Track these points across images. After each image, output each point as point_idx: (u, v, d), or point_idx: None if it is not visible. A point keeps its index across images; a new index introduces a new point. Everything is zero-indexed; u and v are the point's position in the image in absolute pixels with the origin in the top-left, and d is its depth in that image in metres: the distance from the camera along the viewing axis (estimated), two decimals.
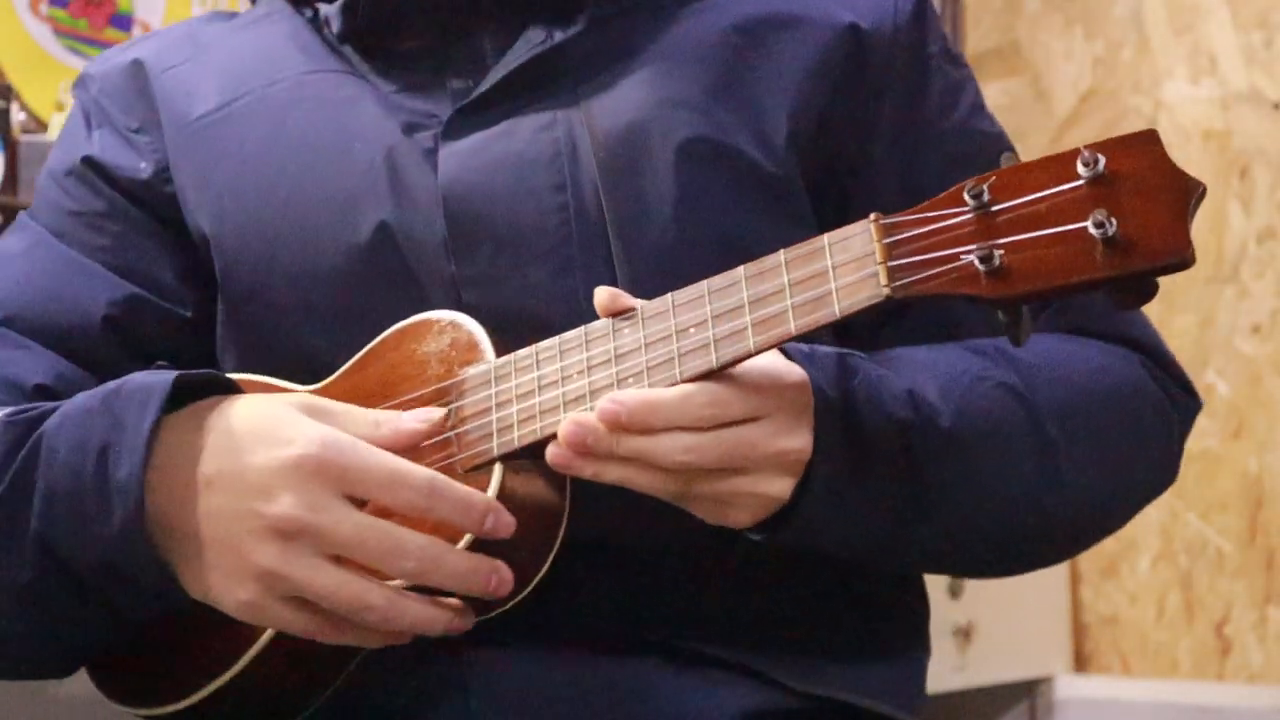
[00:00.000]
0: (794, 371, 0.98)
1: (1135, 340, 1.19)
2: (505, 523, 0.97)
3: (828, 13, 1.17)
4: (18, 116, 2.14)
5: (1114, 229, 0.86)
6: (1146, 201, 0.87)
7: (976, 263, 0.89)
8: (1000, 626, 2.65)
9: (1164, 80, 2.81)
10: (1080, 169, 0.88)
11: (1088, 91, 2.89)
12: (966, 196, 0.90)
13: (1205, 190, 0.88)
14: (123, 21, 2.33)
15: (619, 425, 0.94)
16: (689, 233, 1.05)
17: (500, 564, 0.97)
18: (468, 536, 0.98)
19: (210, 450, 0.98)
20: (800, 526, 1.00)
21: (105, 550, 0.98)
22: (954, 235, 0.90)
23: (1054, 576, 2.80)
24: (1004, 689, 2.74)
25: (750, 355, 0.95)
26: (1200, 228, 2.75)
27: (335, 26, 1.20)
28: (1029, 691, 2.76)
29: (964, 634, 2.60)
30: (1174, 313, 2.76)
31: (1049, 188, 0.89)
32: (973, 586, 2.59)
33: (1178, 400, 1.20)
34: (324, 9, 1.22)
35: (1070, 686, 2.76)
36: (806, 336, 0.94)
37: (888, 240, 0.91)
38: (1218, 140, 2.75)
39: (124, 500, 0.97)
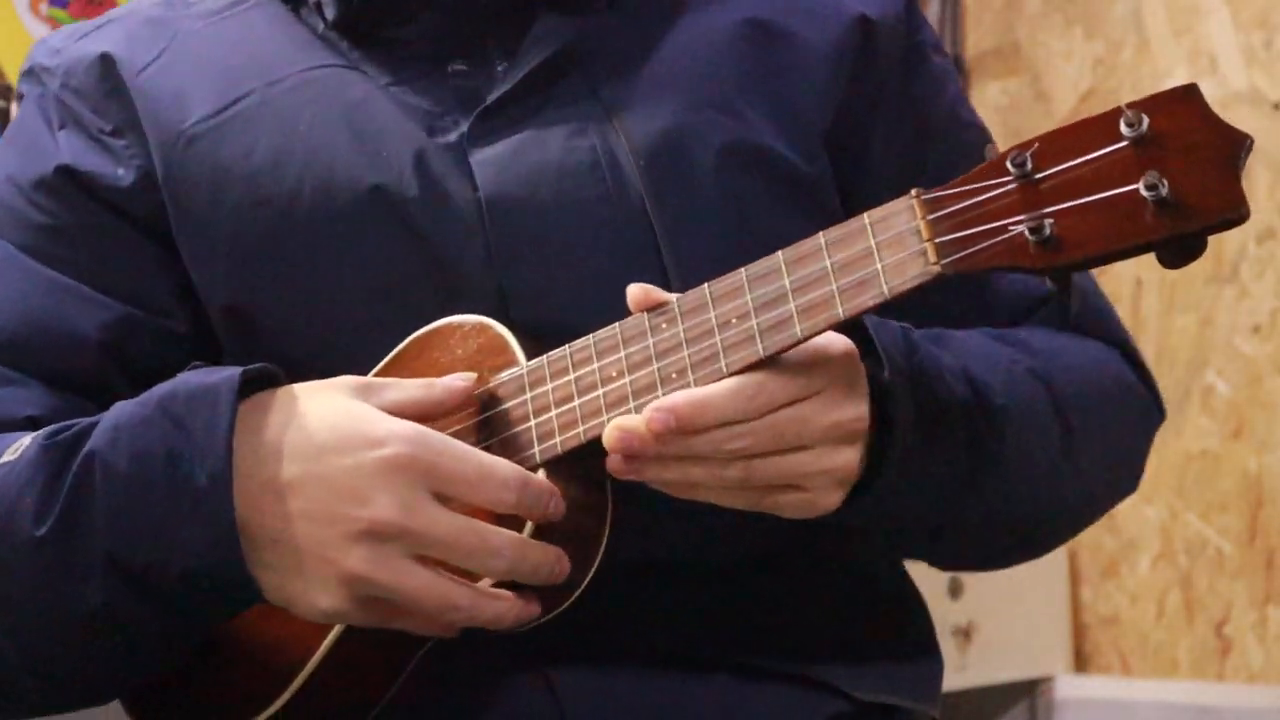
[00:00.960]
0: (839, 342, 0.96)
1: (1120, 342, 1.19)
2: (560, 502, 0.97)
3: (837, 3, 1.17)
4: None
5: (1166, 190, 0.84)
6: (1195, 159, 0.85)
7: (1027, 233, 0.87)
8: (1000, 626, 2.65)
9: (1164, 80, 2.80)
10: (1124, 129, 0.86)
11: (1088, 91, 2.89)
12: (1009, 165, 0.88)
13: (1253, 142, 0.87)
14: None
15: (670, 432, 0.93)
16: (738, 240, 1.04)
17: (560, 550, 0.97)
18: (529, 527, 0.97)
19: (289, 452, 0.95)
20: (878, 496, 0.99)
21: (191, 560, 0.95)
22: (999, 206, 0.88)
23: (1054, 576, 2.80)
24: (1004, 689, 2.73)
25: (798, 343, 0.93)
26: None
27: (330, 14, 1.14)
28: (1029, 691, 2.76)
29: (964, 634, 2.60)
30: (1174, 313, 2.76)
31: (1093, 151, 0.87)
32: (973, 587, 2.59)
33: (1151, 411, 1.21)
34: None
35: (1070, 686, 2.75)
36: (854, 320, 0.93)
37: (932, 216, 0.89)
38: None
39: (209, 507, 0.94)
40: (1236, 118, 2.69)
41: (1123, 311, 2.83)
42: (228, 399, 0.95)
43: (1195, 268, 2.80)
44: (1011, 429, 1.05)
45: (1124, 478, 1.19)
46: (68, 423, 1.01)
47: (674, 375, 0.96)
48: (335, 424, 0.95)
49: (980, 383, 1.04)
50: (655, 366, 0.96)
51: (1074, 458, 1.10)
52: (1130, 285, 2.81)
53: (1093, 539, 2.83)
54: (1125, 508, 2.81)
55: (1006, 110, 2.98)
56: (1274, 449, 2.65)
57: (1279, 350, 2.66)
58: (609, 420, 0.96)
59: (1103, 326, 1.19)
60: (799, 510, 0.98)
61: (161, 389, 0.99)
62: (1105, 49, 2.87)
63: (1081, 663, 2.85)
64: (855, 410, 0.96)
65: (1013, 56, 3.01)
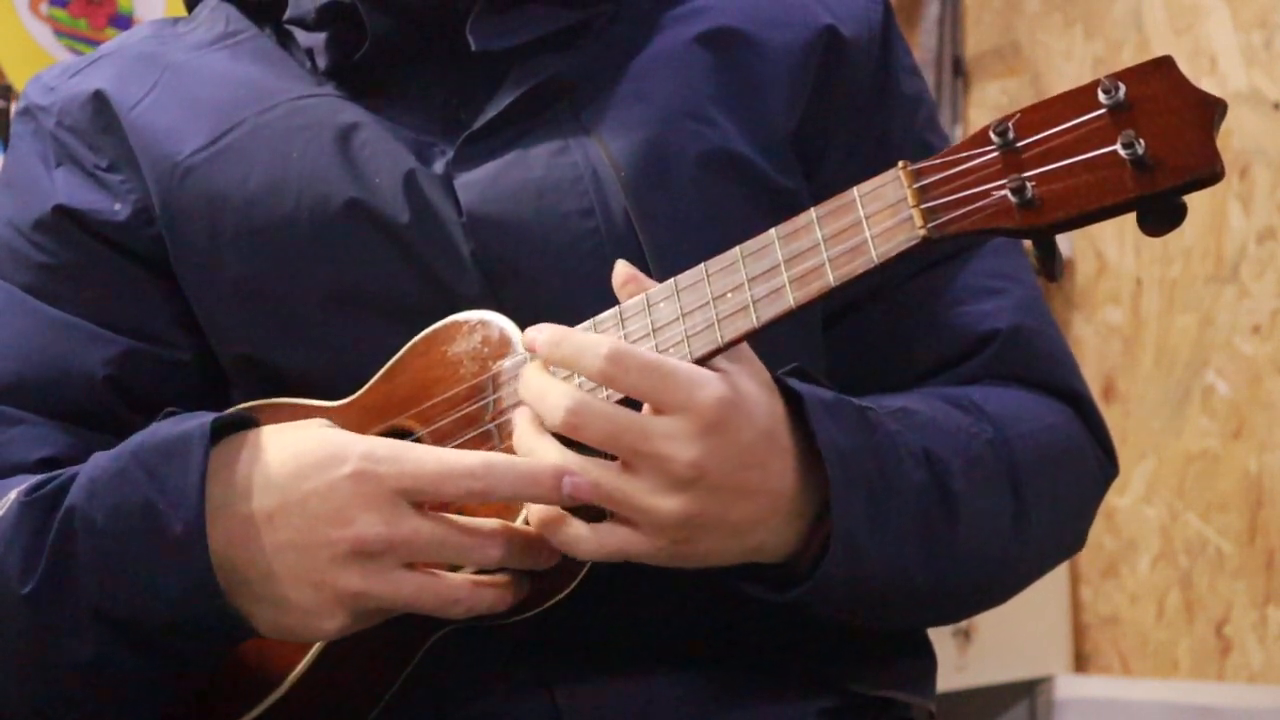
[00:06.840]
0: (750, 390, 0.97)
1: (1074, 393, 1.19)
2: (580, 484, 0.95)
3: (807, 13, 1.18)
4: None
5: (1143, 148, 0.88)
6: (1170, 120, 0.89)
7: (1009, 196, 0.90)
8: (1000, 626, 2.65)
9: None
10: (1101, 97, 0.89)
11: None
12: (992, 135, 0.92)
13: (1227, 106, 0.90)
14: (122, 21, 2.33)
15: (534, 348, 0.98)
16: (720, 247, 1.05)
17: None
18: (523, 514, 0.97)
19: (261, 487, 0.96)
20: (818, 585, 1.00)
21: (175, 609, 0.96)
22: (983, 174, 0.91)
23: (1054, 576, 2.79)
24: (1004, 689, 2.74)
25: (791, 311, 0.95)
26: (1200, 228, 2.75)
27: (321, 63, 1.15)
28: (1029, 691, 2.76)
29: (964, 634, 2.60)
30: (1174, 313, 2.76)
31: (1073, 119, 0.90)
32: None
33: (1104, 468, 1.21)
34: (304, 38, 1.17)
35: (1070, 686, 2.75)
36: (843, 285, 0.94)
37: (918, 185, 0.92)
38: (1218, 140, 2.74)
39: (187, 556, 0.95)
40: (1236, 118, 2.70)
41: (1123, 311, 2.84)
42: (199, 446, 0.96)
43: (1195, 268, 2.82)
44: (966, 513, 1.06)
45: (1069, 541, 1.21)
46: (48, 475, 1.03)
47: (670, 349, 0.97)
48: (300, 451, 0.97)
49: (941, 466, 1.05)
50: (654, 342, 0.98)
51: (1024, 530, 1.11)
52: (1130, 285, 2.82)
53: (1093, 539, 2.82)
54: (1125, 508, 2.81)
55: (1006, 110, 2.98)
56: (1274, 449, 2.65)
57: (1279, 350, 2.66)
58: (607, 397, 0.97)
59: (1056, 374, 1.19)
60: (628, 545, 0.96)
61: (135, 440, 1.00)
62: (1105, 49, 2.87)
63: (1081, 663, 2.85)
64: (693, 452, 0.95)
65: (1013, 56, 3.02)
